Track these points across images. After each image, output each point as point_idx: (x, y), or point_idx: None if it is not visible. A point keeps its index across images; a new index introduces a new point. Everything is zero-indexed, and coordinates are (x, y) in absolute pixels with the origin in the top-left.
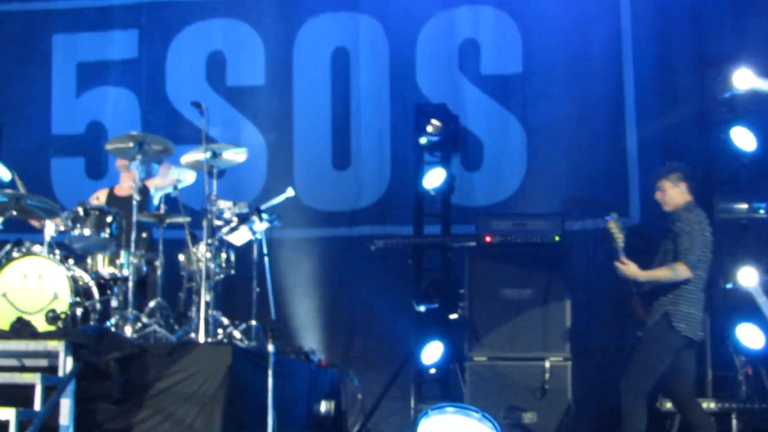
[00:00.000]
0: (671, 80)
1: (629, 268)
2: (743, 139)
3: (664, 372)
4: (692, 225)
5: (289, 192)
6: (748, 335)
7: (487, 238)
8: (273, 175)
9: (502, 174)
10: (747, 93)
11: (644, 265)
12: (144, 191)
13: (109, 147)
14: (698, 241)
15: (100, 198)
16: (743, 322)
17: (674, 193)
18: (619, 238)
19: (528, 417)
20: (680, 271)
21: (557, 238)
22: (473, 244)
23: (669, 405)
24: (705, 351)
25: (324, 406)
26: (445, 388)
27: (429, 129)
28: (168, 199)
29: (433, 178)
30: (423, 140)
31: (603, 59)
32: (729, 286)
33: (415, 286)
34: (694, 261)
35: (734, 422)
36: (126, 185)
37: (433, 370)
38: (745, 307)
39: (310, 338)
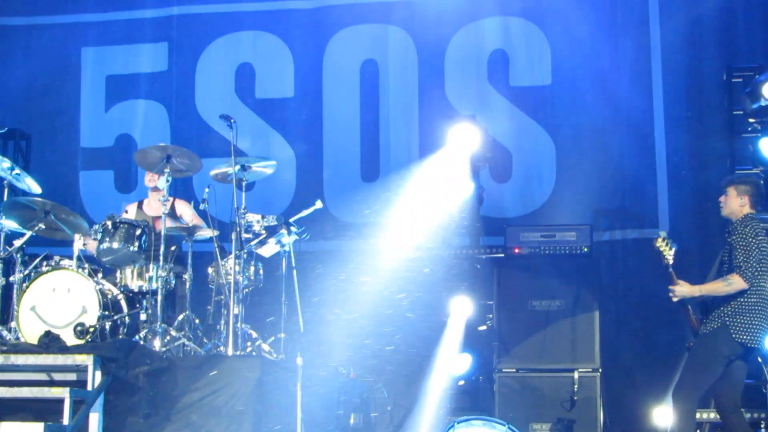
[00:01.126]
0: (700, 91)
1: (682, 289)
2: None
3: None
4: (747, 238)
5: (318, 204)
6: None
7: (516, 250)
8: (302, 188)
9: (531, 185)
10: None
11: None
12: (172, 207)
13: (137, 158)
14: (754, 254)
15: (129, 212)
16: None
17: (735, 203)
18: (668, 254)
19: (557, 429)
20: (734, 283)
21: (586, 249)
22: (502, 255)
23: (698, 415)
24: None
25: (353, 419)
26: (474, 400)
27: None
28: (198, 213)
29: (463, 190)
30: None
31: (632, 70)
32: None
33: (445, 297)
34: (750, 273)
35: None
36: (155, 203)
37: (462, 382)
38: None
39: (340, 351)
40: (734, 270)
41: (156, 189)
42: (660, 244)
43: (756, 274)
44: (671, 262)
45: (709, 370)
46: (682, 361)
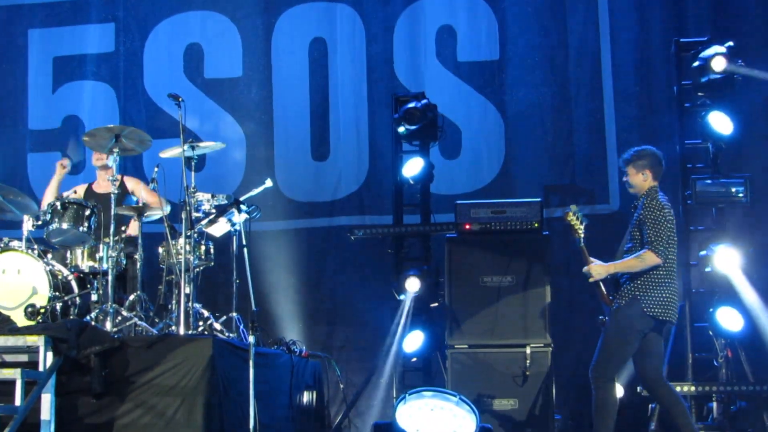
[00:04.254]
0: (649, 65)
1: (598, 269)
2: (720, 122)
3: (633, 355)
4: (655, 212)
5: (268, 183)
6: (727, 318)
7: (467, 226)
8: (252, 167)
9: (480, 162)
10: (723, 77)
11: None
12: (122, 186)
13: (86, 139)
14: (663, 227)
15: (78, 193)
16: (722, 305)
17: (637, 179)
18: (579, 229)
19: (509, 404)
20: (647, 258)
21: (536, 225)
22: (453, 232)
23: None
24: (685, 334)
25: (306, 397)
26: (427, 377)
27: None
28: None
29: (412, 167)
30: (401, 129)
31: (580, 45)
32: (708, 269)
33: (396, 275)
34: (662, 248)
35: (714, 405)
36: (104, 183)
37: (414, 359)
38: (724, 290)
39: (292, 329)
40: (646, 246)
41: (105, 167)
42: (571, 218)
43: (667, 248)
44: (582, 236)
45: (625, 345)
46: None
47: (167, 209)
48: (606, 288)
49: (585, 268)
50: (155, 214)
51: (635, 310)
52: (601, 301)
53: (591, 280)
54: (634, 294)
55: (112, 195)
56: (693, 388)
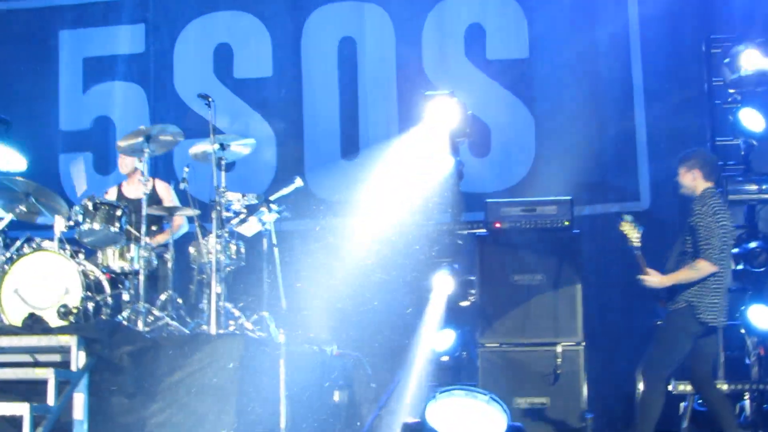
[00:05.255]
0: (679, 62)
1: (653, 280)
2: (751, 120)
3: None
4: (706, 218)
5: (298, 182)
6: (759, 316)
7: (497, 225)
8: (283, 166)
9: (510, 160)
10: (754, 74)
11: (656, 251)
12: (153, 189)
13: (121, 144)
14: (716, 234)
15: (109, 195)
16: (755, 303)
17: (687, 179)
18: (635, 238)
19: (540, 402)
20: (703, 268)
21: (567, 223)
22: (483, 230)
23: (681, 387)
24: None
25: (337, 396)
26: (457, 376)
27: None
28: (177, 193)
29: (442, 166)
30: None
31: (610, 42)
32: (740, 267)
33: (427, 273)
34: (715, 255)
35: (747, 403)
36: (133, 185)
37: (445, 358)
38: (756, 288)
39: (323, 328)
40: (699, 254)
41: (132, 172)
42: (625, 227)
43: (721, 254)
44: (639, 245)
45: (678, 348)
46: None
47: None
48: (661, 292)
49: (641, 276)
50: (186, 214)
51: (689, 315)
52: (658, 304)
53: (645, 285)
54: (689, 300)
55: (144, 195)
56: (725, 387)
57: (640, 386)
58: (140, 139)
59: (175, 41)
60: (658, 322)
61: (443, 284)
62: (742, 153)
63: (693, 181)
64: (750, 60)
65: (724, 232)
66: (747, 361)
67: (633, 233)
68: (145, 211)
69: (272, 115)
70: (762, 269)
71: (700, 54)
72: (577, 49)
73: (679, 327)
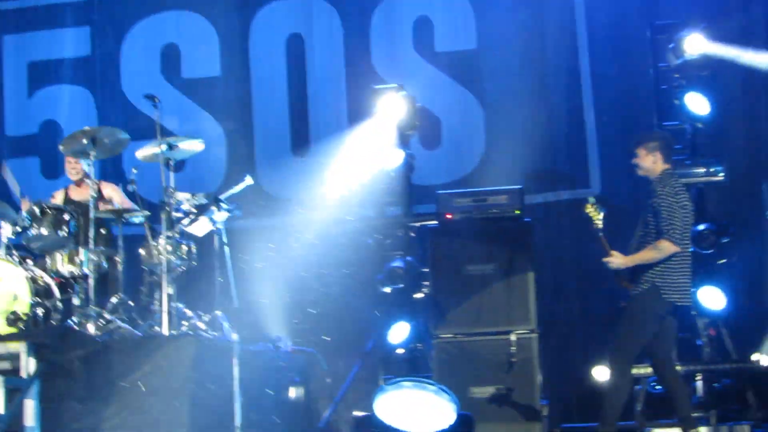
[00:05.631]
0: (625, 49)
1: (617, 261)
2: (697, 103)
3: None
4: (668, 198)
5: (248, 180)
6: (709, 297)
7: (448, 216)
8: (234, 165)
9: (461, 151)
10: (698, 58)
11: (608, 236)
12: (99, 192)
13: (63, 147)
14: (678, 214)
15: (56, 199)
16: (704, 284)
17: (647, 161)
18: (597, 219)
19: (496, 391)
20: (665, 248)
21: (518, 212)
22: (434, 222)
23: (636, 371)
24: None
25: (293, 393)
26: (413, 368)
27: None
28: (126, 195)
29: (392, 159)
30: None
31: (557, 31)
32: (690, 249)
33: (379, 267)
34: (677, 235)
35: (699, 384)
36: (80, 188)
37: (401, 350)
38: (705, 269)
39: (277, 325)
40: (662, 234)
41: (81, 179)
42: (589, 209)
43: (683, 234)
44: (601, 226)
45: (643, 330)
46: (616, 321)
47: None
48: (624, 273)
49: (605, 259)
50: (136, 215)
51: (654, 296)
52: (620, 286)
53: (610, 267)
54: (653, 281)
55: (91, 198)
56: (678, 368)
57: (607, 371)
58: (84, 141)
59: (121, 43)
60: (622, 304)
61: (396, 277)
62: (689, 137)
63: (653, 163)
64: (694, 45)
65: (685, 212)
66: (698, 342)
67: (596, 215)
68: (92, 213)
69: (222, 114)
70: (711, 251)
71: (645, 40)
72: (525, 39)
73: (644, 308)
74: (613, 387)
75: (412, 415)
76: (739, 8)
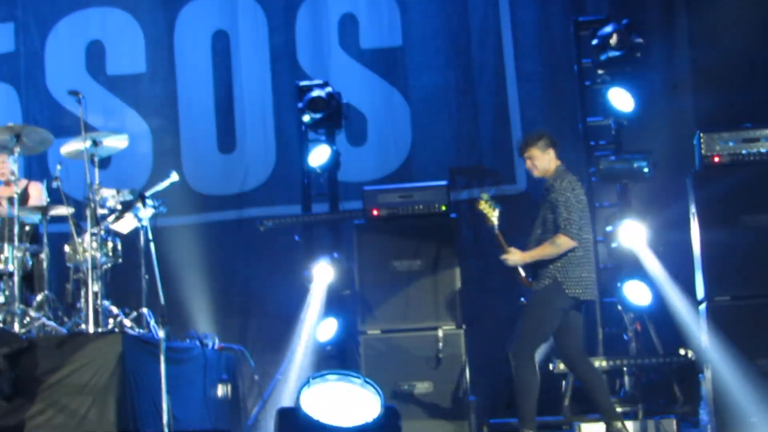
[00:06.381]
0: (549, 45)
1: (514, 257)
2: (621, 99)
3: (554, 333)
4: (566, 194)
5: (174, 177)
6: (635, 292)
7: (375, 212)
8: (160, 162)
9: (387, 148)
10: (622, 54)
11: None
12: (25, 192)
13: None
14: (575, 209)
15: None
16: (630, 279)
17: (544, 161)
18: (492, 216)
19: (424, 387)
20: (563, 243)
21: (444, 208)
22: (361, 219)
23: (562, 366)
24: (594, 310)
25: (220, 390)
26: (342, 364)
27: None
28: (50, 191)
29: (318, 156)
30: (306, 118)
31: (482, 27)
32: (614, 245)
33: (306, 264)
34: (575, 230)
35: (626, 378)
36: (8, 186)
37: (329, 347)
38: (630, 264)
39: (204, 322)
40: (559, 230)
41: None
42: (483, 206)
43: (580, 228)
44: (497, 223)
45: (545, 324)
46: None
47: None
48: (524, 270)
49: (502, 256)
50: (60, 212)
51: (555, 291)
52: (521, 283)
53: (506, 264)
54: (554, 276)
55: (15, 195)
56: (604, 363)
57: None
58: (7, 136)
59: (45, 39)
60: (522, 300)
61: (324, 274)
62: (613, 132)
63: (549, 161)
64: (617, 41)
65: (582, 207)
66: (625, 337)
67: (491, 212)
68: (17, 211)
69: (147, 110)
70: (635, 246)
71: (569, 36)
72: (450, 36)
73: (545, 303)
74: (522, 383)
75: (338, 408)
76: (661, 3)
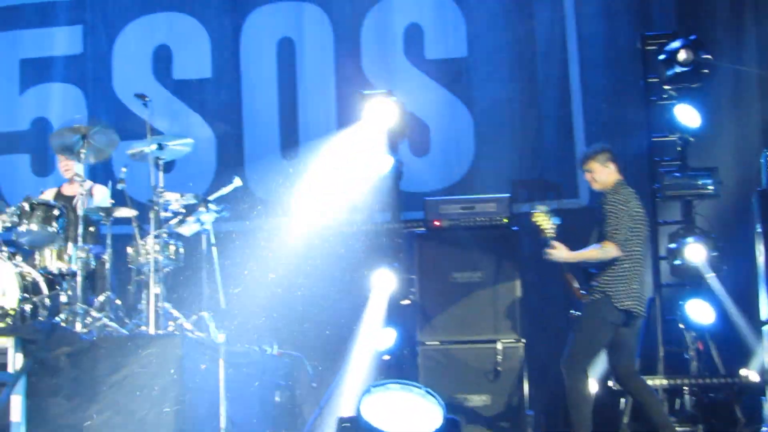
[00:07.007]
0: (616, 60)
1: (559, 252)
2: (687, 115)
3: (606, 348)
4: (618, 205)
5: (237, 182)
6: (697, 311)
7: (436, 223)
8: (223, 167)
9: (449, 158)
10: (689, 70)
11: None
12: (90, 194)
13: (53, 140)
14: (624, 220)
15: (47, 195)
16: (693, 297)
17: (603, 174)
18: (548, 228)
19: (481, 399)
20: (609, 250)
21: (505, 220)
22: (422, 229)
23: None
24: (655, 328)
25: (278, 396)
26: (399, 374)
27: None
28: (114, 193)
29: (381, 165)
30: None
31: (548, 40)
32: (677, 262)
33: (366, 273)
34: (622, 239)
35: (686, 398)
36: (73, 186)
37: (387, 356)
38: (694, 283)
39: (264, 328)
40: (606, 238)
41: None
42: (538, 217)
43: (627, 239)
44: (554, 235)
45: (598, 339)
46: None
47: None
48: (578, 283)
49: (546, 249)
50: (124, 214)
51: (607, 304)
52: (573, 295)
53: (549, 258)
54: (604, 289)
55: (80, 195)
56: (664, 382)
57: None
58: (73, 138)
59: (113, 42)
60: (572, 312)
61: (384, 282)
62: (679, 149)
63: (609, 175)
64: (685, 56)
65: (636, 220)
66: (686, 356)
67: (547, 223)
68: (81, 210)
69: (212, 115)
70: (699, 264)
71: (636, 51)
72: (515, 47)
73: (597, 317)
74: (574, 397)
75: (399, 417)
76: (729, 19)
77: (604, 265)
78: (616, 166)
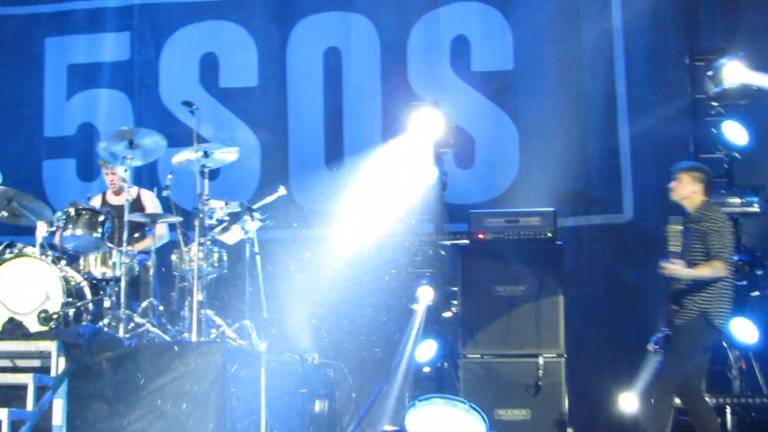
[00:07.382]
0: (663, 75)
1: (675, 267)
2: (735, 132)
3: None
4: (719, 223)
5: (281, 191)
6: (741, 329)
7: (480, 235)
8: (267, 176)
9: (494, 171)
10: (738, 87)
11: (639, 263)
12: (138, 199)
13: (101, 148)
14: (728, 239)
15: (94, 201)
16: (737, 316)
17: (687, 189)
18: (675, 243)
19: (521, 414)
20: (719, 269)
21: (550, 234)
22: (466, 241)
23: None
24: None
25: (318, 405)
26: (439, 386)
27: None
28: (160, 200)
29: (426, 177)
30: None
31: (594, 54)
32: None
33: (409, 284)
34: (729, 259)
35: (729, 417)
36: (119, 195)
37: (427, 368)
38: (738, 301)
39: (304, 337)
40: (714, 257)
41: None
42: (673, 229)
43: (731, 259)
44: (678, 251)
45: (691, 361)
46: (644, 348)
47: (177, 220)
48: (676, 299)
49: (662, 263)
50: (169, 221)
51: (703, 326)
52: (669, 309)
53: (663, 272)
54: (703, 308)
55: (126, 202)
56: (708, 400)
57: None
58: (121, 143)
59: (161, 50)
60: (664, 329)
61: (426, 295)
62: (726, 166)
63: (693, 192)
64: (733, 73)
65: (733, 239)
66: (729, 375)
67: (676, 238)
68: (127, 217)
69: (257, 124)
70: (744, 282)
71: (683, 66)
72: (562, 61)
73: (694, 340)
74: (655, 418)
75: (443, 431)
76: None
77: (702, 284)
78: (703, 188)
